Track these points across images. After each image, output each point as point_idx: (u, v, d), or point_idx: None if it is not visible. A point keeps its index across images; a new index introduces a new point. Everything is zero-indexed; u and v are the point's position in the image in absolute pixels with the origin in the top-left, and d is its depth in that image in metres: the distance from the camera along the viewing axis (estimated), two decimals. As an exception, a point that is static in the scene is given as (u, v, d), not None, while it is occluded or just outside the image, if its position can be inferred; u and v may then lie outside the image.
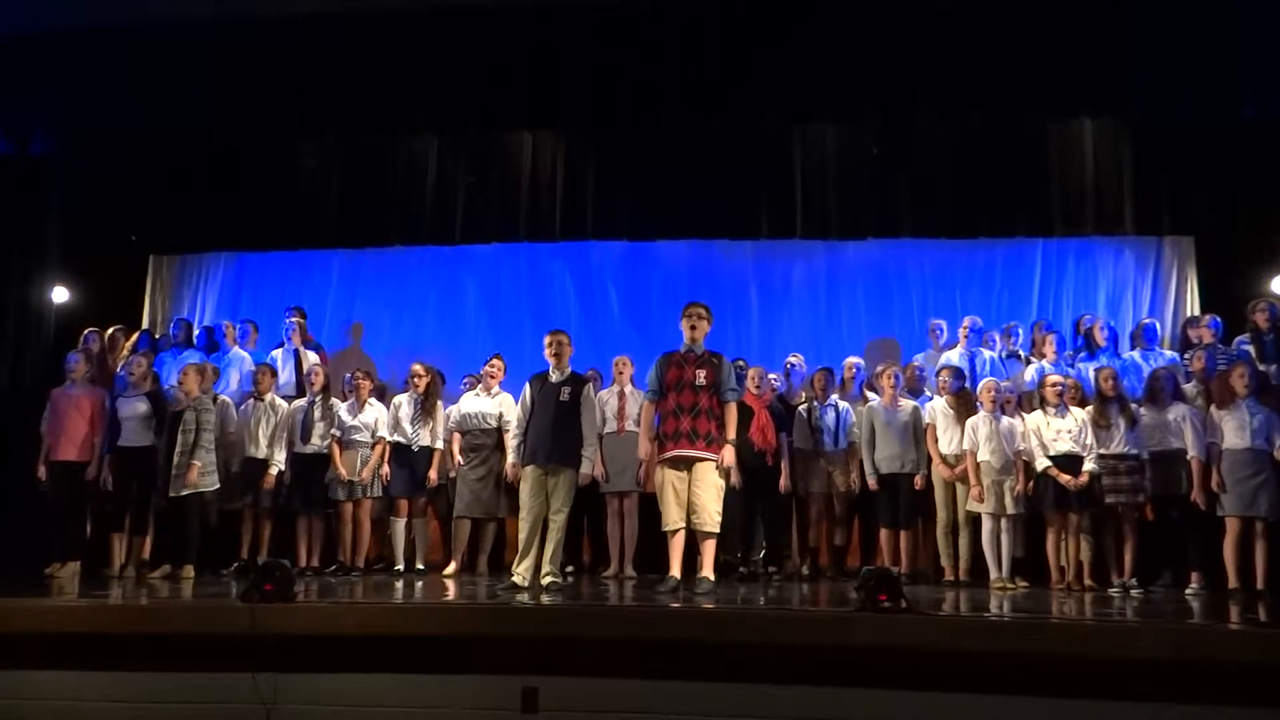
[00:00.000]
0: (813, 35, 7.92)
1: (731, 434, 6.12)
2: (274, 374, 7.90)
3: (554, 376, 6.35)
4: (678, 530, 6.07)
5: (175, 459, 6.98)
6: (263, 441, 7.47)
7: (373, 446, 7.48)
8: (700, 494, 5.99)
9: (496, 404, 7.40)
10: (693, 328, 6.18)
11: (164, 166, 9.18)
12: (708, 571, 6.00)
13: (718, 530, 6.05)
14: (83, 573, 7.01)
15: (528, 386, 6.45)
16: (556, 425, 6.18)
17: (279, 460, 7.45)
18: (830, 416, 7.41)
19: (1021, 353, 8.09)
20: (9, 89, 8.54)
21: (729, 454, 6.07)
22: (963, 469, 6.93)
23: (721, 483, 6.10)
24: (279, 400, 7.71)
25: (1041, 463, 6.74)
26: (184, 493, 6.98)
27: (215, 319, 9.25)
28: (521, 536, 6.24)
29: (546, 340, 6.39)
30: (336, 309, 9.65)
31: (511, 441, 6.47)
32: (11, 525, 7.90)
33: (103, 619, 5.20)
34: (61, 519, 7.13)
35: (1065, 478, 6.65)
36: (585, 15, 8.11)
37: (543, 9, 8.09)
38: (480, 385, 7.64)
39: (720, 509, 6.06)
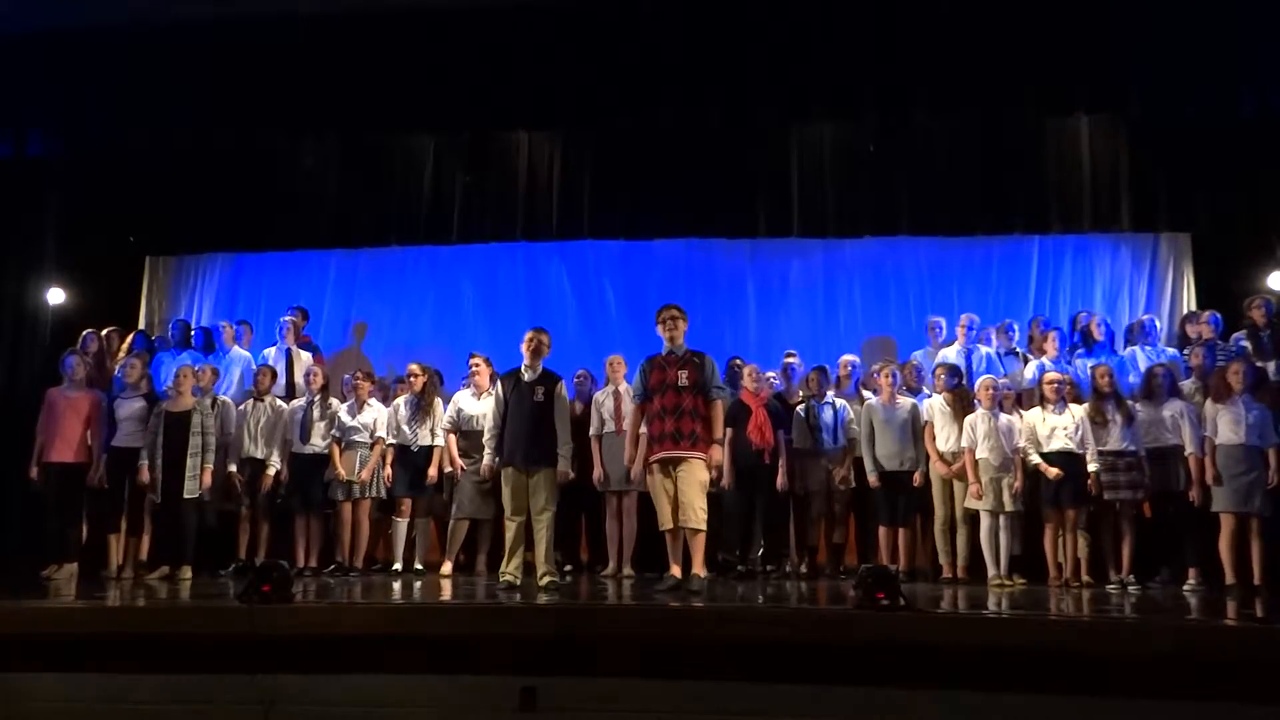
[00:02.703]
0: (810, 34, 7.92)
1: (718, 433, 6.16)
2: (274, 374, 7.90)
3: (527, 375, 6.34)
4: (674, 530, 6.11)
5: (189, 461, 6.98)
6: (261, 441, 7.48)
7: (371, 447, 7.48)
8: (686, 492, 6.02)
9: (490, 404, 7.38)
10: (670, 330, 6.23)
11: (162, 167, 9.16)
12: (698, 569, 6.03)
13: (703, 528, 6.07)
14: (80, 574, 7.01)
15: (500, 385, 6.46)
16: (533, 425, 6.19)
17: (275, 461, 7.47)
18: (828, 414, 7.42)
19: (1019, 350, 8.09)
20: (8, 89, 8.53)
21: (716, 453, 6.12)
22: (961, 466, 6.93)
23: (706, 479, 6.13)
24: (278, 400, 7.72)
25: (1034, 459, 6.76)
26: (198, 494, 6.98)
27: (212, 320, 9.24)
28: (508, 537, 6.25)
29: (528, 336, 6.38)
30: (334, 309, 9.64)
31: (489, 442, 6.43)
32: (9, 527, 7.90)
33: (101, 620, 5.20)
34: (58, 520, 7.12)
35: (1054, 471, 6.66)
36: (583, 15, 8.11)
37: (540, 8, 8.08)
38: (473, 385, 7.61)
39: (704, 505, 6.07)
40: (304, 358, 8.40)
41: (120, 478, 7.10)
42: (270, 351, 8.47)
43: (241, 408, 7.62)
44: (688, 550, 6.13)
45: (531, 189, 9.20)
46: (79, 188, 9.20)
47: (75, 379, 7.30)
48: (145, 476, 6.99)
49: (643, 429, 6.35)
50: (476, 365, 7.53)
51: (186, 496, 6.95)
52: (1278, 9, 7.44)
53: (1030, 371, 7.74)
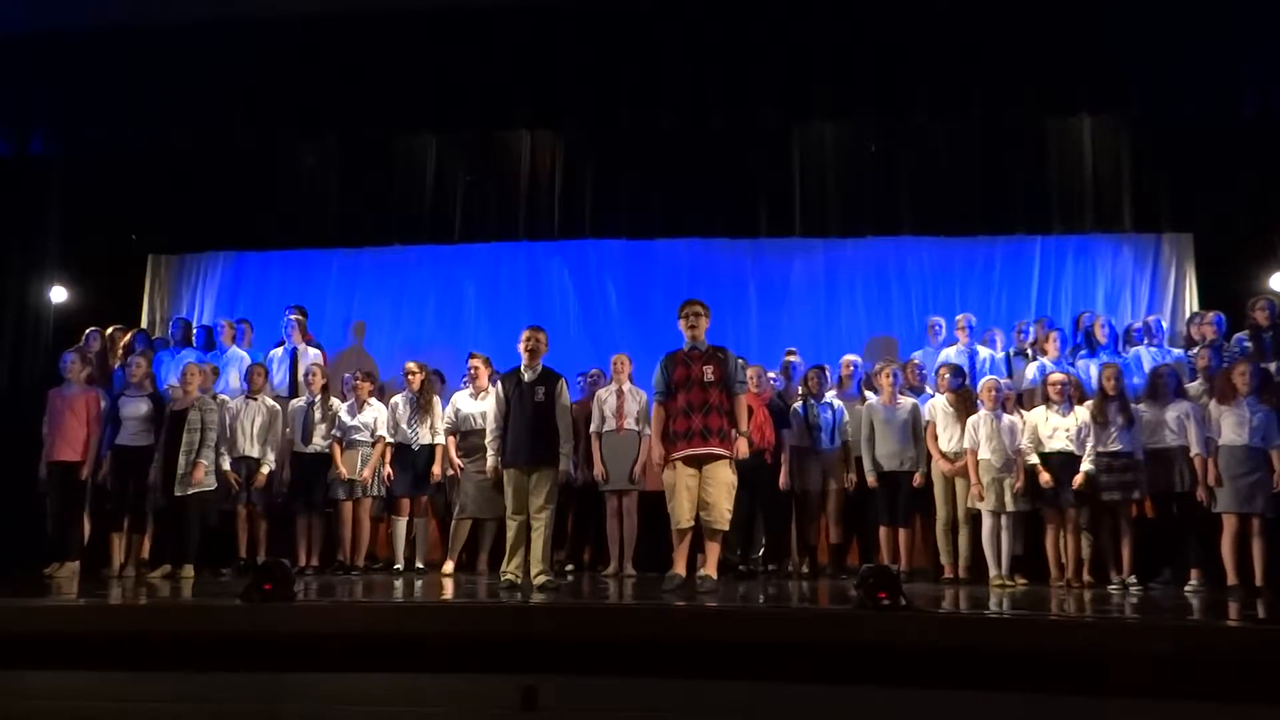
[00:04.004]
0: (811, 33, 7.92)
1: (744, 425, 6.09)
2: (267, 373, 7.90)
3: (527, 375, 6.27)
4: (688, 529, 6.02)
5: (181, 458, 6.96)
6: (256, 440, 7.48)
7: (373, 446, 7.49)
8: (713, 491, 5.95)
9: (489, 404, 7.35)
10: (693, 326, 6.14)
11: (163, 166, 9.18)
12: (711, 569, 5.99)
13: (726, 528, 6.04)
14: (82, 573, 7.02)
15: (500, 385, 6.40)
16: (535, 425, 6.13)
17: (270, 460, 7.47)
18: (827, 415, 7.43)
19: (1029, 351, 8.08)
20: (9, 89, 8.53)
21: (743, 445, 6.05)
22: (963, 464, 6.93)
23: (734, 480, 6.06)
24: (270, 400, 7.72)
25: (1032, 459, 6.76)
26: (189, 492, 6.97)
27: (214, 318, 9.24)
28: (510, 537, 6.21)
29: (525, 335, 6.29)
30: (335, 308, 9.62)
31: (491, 443, 6.36)
32: (10, 526, 7.91)
33: (102, 619, 5.20)
34: (60, 519, 7.13)
35: (1045, 478, 6.67)
36: (585, 15, 8.11)
37: (542, 8, 8.08)
38: (471, 385, 7.61)
39: (731, 507, 6.02)
40: (311, 354, 8.40)
41: (123, 476, 7.09)
42: (277, 351, 8.49)
43: (235, 406, 7.61)
44: (701, 549, 6.11)
45: (533, 188, 9.22)
46: (80, 187, 9.21)
47: (72, 377, 7.28)
48: (153, 476, 7.00)
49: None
50: (475, 367, 7.52)
51: (177, 494, 6.93)
52: (1278, 9, 7.43)
53: (1031, 372, 7.74)
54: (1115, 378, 6.88)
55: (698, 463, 6.00)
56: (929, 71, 7.82)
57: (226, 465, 7.32)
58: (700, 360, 6.10)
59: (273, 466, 7.49)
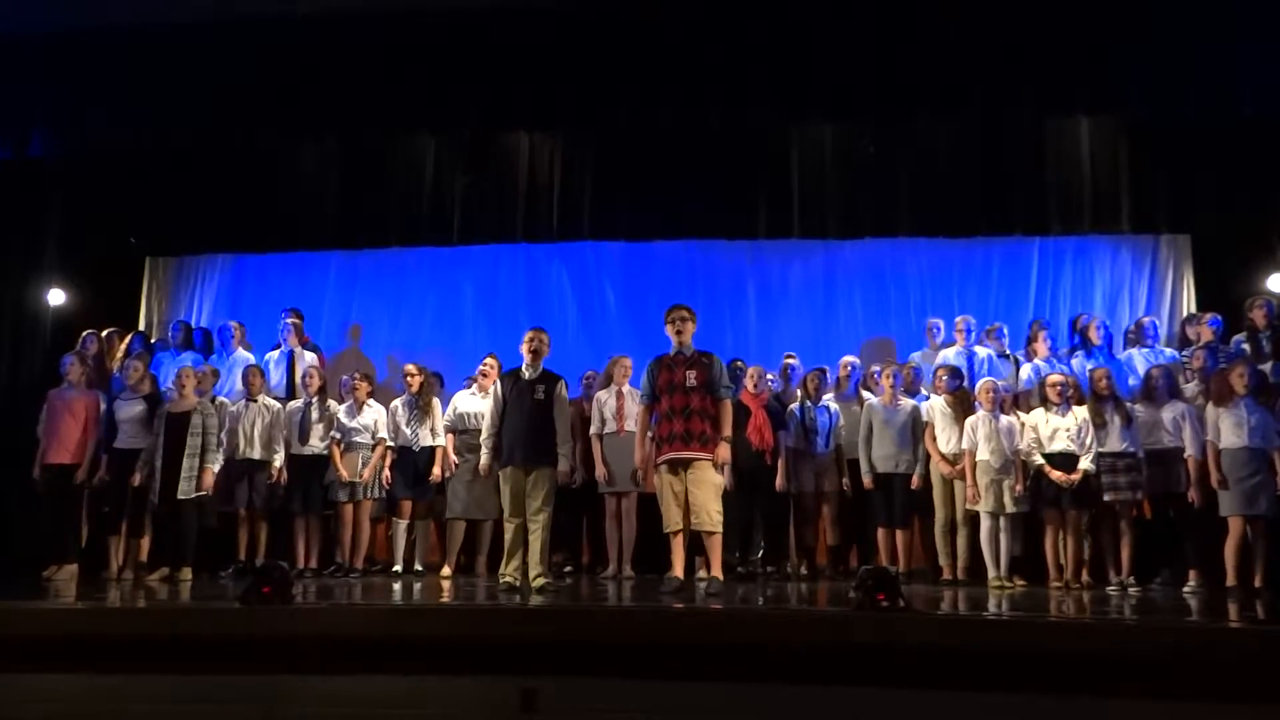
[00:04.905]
0: (810, 34, 7.92)
1: (726, 431, 6.11)
2: (263, 374, 7.89)
3: (527, 374, 6.29)
4: (679, 531, 6.06)
5: (185, 462, 6.95)
6: (257, 442, 7.48)
7: (373, 448, 7.48)
8: (698, 494, 5.97)
9: (490, 403, 7.36)
10: (678, 331, 6.17)
11: (163, 167, 9.16)
12: (716, 571, 6.00)
13: (719, 529, 6.04)
14: (80, 575, 7.01)
15: (499, 384, 6.43)
16: (532, 424, 6.14)
17: (279, 459, 7.46)
18: (824, 418, 7.43)
19: (1009, 352, 8.07)
20: (9, 89, 8.52)
21: (724, 450, 6.06)
22: (963, 467, 6.93)
23: (719, 480, 6.09)
24: (271, 401, 7.71)
25: (1036, 459, 6.76)
26: (196, 495, 6.96)
27: (212, 321, 9.23)
28: (507, 538, 6.21)
29: (528, 336, 6.34)
30: (334, 310, 9.61)
31: (486, 442, 6.40)
32: (9, 527, 7.90)
33: (101, 621, 5.20)
34: (56, 522, 7.11)
35: (1058, 474, 6.67)
36: (584, 15, 8.10)
37: (542, 9, 8.08)
38: (475, 385, 7.62)
39: (720, 507, 6.04)
40: (308, 358, 8.39)
41: (121, 479, 7.08)
42: (274, 354, 8.47)
43: (235, 409, 7.60)
44: (699, 552, 6.11)
45: (532, 190, 9.20)
46: (79, 188, 9.19)
47: (71, 380, 7.28)
48: (136, 479, 6.99)
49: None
50: (489, 365, 7.54)
51: (180, 497, 6.92)
52: (1278, 9, 7.43)
53: (1025, 373, 7.73)
54: (1106, 377, 6.89)
55: (681, 466, 6.03)
56: (928, 71, 7.81)
57: (216, 467, 7.30)
58: (684, 365, 6.13)
59: (281, 463, 7.48)
